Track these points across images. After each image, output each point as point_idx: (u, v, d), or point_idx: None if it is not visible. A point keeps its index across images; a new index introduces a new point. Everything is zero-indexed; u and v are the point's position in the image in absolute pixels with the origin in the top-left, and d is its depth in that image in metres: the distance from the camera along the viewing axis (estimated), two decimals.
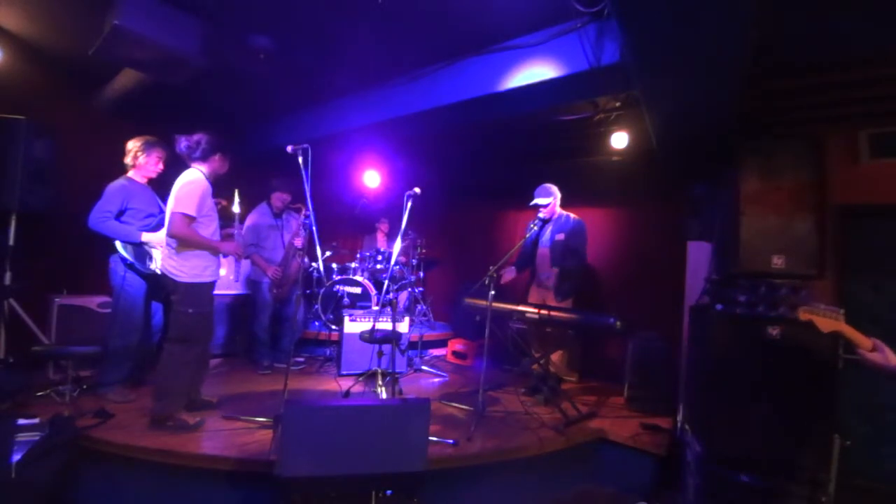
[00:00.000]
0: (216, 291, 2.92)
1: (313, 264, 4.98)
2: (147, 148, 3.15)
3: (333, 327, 4.66)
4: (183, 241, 2.62)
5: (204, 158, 2.73)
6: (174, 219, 2.56)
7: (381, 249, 5.32)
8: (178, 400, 2.68)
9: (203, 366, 2.98)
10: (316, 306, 4.85)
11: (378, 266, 5.15)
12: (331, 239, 5.70)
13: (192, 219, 2.58)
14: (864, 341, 1.67)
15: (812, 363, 2.34)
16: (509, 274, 3.90)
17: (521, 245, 3.75)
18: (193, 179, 2.64)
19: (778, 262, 2.50)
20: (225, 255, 2.86)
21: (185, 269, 2.63)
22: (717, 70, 2.09)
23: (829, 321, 1.76)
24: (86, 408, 2.76)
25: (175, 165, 3.17)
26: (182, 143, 2.71)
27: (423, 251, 5.54)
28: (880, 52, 2.25)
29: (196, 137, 2.72)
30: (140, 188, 3.17)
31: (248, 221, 4.14)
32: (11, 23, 3.29)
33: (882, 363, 1.61)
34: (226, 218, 2.97)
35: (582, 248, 3.79)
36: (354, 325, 3.99)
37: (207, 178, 2.73)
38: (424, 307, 5.53)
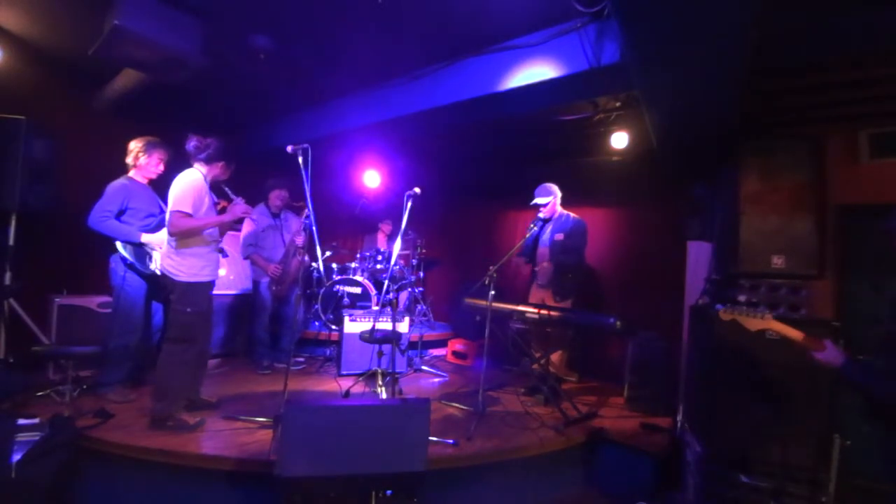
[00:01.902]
0: (216, 291, 2.92)
1: (313, 264, 4.98)
2: (148, 148, 3.16)
3: (333, 327, 4.66)
4: (187, 236, 2.65)
5: (208, 161, 2.77)
6: (172, 218, 2.59)
7: (382, 249, 5.32)
8: (177, 400, 2.68)
9: (202, 366, 2.98)
10: (316, 306, 4.85)
11: (378, 266, 5.15)
12: (331, 239, 5.70)
13: (189, 216, 2.60)
14: (796, 333, 1.72)
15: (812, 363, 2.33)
16: (542, 270, 3.89)
17: (521, 245, 3.75)
18: (189, 178, 2.66)
19: (778, 262, 2.51)
20: (234, 228, 2.88)
21: (182, 268, 2.65)
22: (717, 70, 2.09)
23: (755, 320, 1.81)
24: (86, 408, 2.76)
25: (177, 166, 3.17)
26: (192, 142, 2.75)
27: (423, 251, 5.54)
28: (880, 52, 2.25)
29: (208, 140, 2.76)
30: (141, 188, 3.18)
31: (247, 222, 4.13)
32: (11, 23, 3.29)
33: (825, 360, 1.67)
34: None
35: (580, 246, 3.79)
36: (354, 325, 3.99)
37: (206, 179, 2.75)
38: (424, 307, 5.53)
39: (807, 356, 1.71)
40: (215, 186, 2.88)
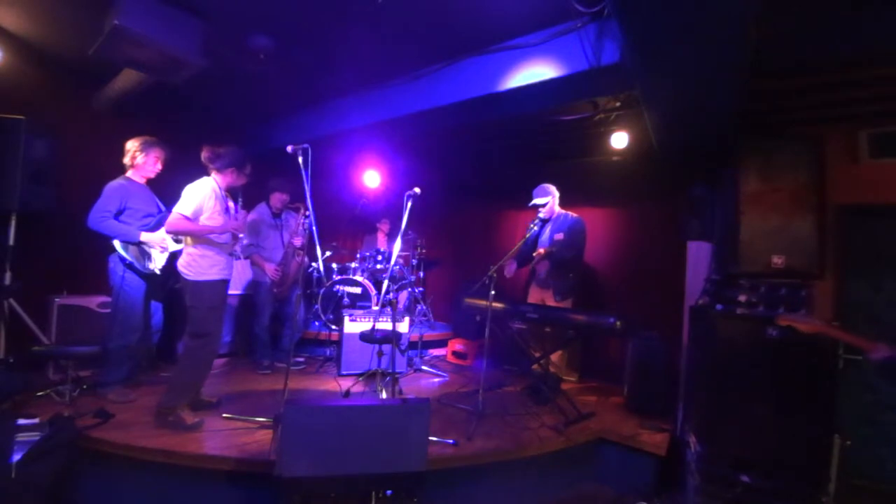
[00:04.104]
0: None
1: (313, 264, 4.97)
2: (145, 148, 3.16)
3: (333, 327, 4.66)
4: (182, 235, 2.80)
5: (220, 170, 2.87)
6: (170, 218, 2.71)
7: (381, 249, 5.32)
8: (186, 394, 2.75)
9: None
10: (316, 306, 4.85)
11: (378, 266, 5.15)
12: (331, 239, 5.70)
13: (187, 219, 2.69)
14: (865, 343, 1.84)
15: (812, 363, 2.34)
16: (511, 267, 3.89)
17: (521, 245, 3.75)
18: (197, 186, 2.78)
19: (778, 262, 2.51)
20: (228, 243, 2.91)
21: (191, 268, 2.75)
22: (717, 70, 2.09)
23: (807, 325, 1.96)
24: (86, 408, 2.75)
25: (176, 166, 3.18)
26: (205, 152, 2.85)
27: (423, 251, 5.54)
28: (880, 52, 2.25)
29: (219, 150, 2.86)
30: (138, 188, 3.17)
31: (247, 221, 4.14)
32: (11, 23, 3.29)
33: (878, 357, 1.80)
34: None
35: (579, 244, 3.78)
36: (354, 325, 3.99)
37: (220, 187, 2.86)
38: (424, 307, 5.53)
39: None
40: (234, 193, 2.99)
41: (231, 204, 2.96)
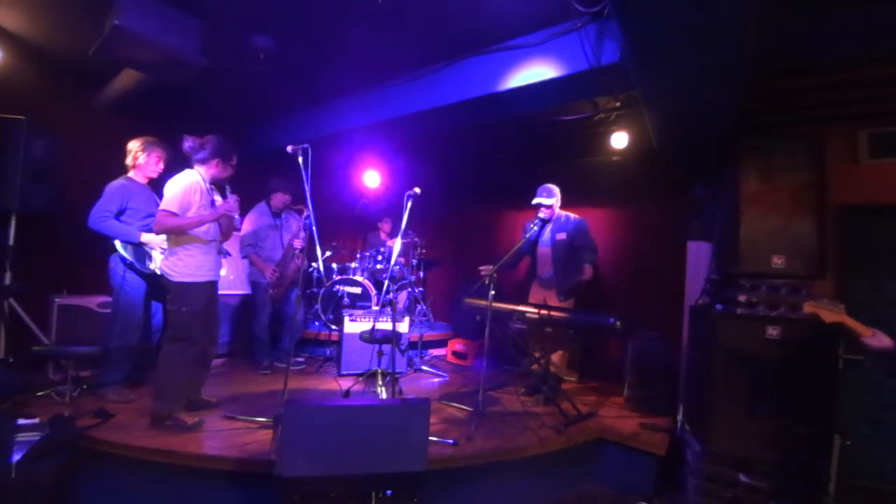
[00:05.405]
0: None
1: (313, 264, 4.98)
2: (147, 148, 3.16)
3: (333, 327, 4.66)
4: (172, 234, 2.69)
5: (203, 161, 2.79)
6: (157, 217, 2.62)
7: (388, 244, 5.31)
8: (175, 399, 2.69)
9: (204, 367, 2.97)
10: (316, 306, 4.85)
11: (378, 266, 5.15)
12: (331, 239, 5.70)
13: (174, 216, 2.60)
14: (864, 330, 1.91)
15: (812, 363, 2.34)
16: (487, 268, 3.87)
17: (521, 245, 3.74)
18: (181, 179, 2.67)
19: (778, 262, 2.51)
20: (221, 233, 2.85)
21: (177, 268, 2.67)
22: (717, 70, 2.09)
23: (831, 313, 1.98)
24: (86, 408, 2.75)
25: (177, 166, 3.18)
26: (187, 143, 2.76)
27: (423, 251, 5.54)
28: (880, 53, 2.25)
29: (201, 140, 2.77)
30: (139, 188, 3.18)
31: (247, 221, 4.14)
32: (11, 23, 3.29)
33: (878, 346, 1.89)
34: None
35: (592, 243, 3.77)
36: (354, 325, 3.98)
37: (203, 180, 2.77)
38: (424, 307, 5.53)
39: (869, 348, 1.94)
40: (220, 185, 2.89)
41: (217, 198, 2.87)
